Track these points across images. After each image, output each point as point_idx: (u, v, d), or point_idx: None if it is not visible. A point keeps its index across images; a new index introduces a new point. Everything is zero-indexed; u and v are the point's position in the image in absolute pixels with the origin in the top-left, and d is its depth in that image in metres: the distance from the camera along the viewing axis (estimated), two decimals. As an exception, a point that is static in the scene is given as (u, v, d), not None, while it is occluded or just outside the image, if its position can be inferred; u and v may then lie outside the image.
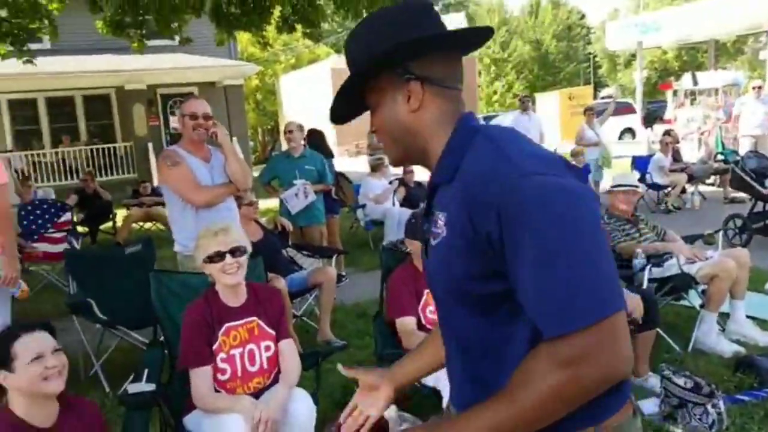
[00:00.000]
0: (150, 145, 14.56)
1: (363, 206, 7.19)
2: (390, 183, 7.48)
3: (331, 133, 28.08)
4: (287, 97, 32.28)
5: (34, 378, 1.75)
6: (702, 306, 3.65)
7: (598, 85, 36.82)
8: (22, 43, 7.54)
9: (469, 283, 1.00)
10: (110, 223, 8.74)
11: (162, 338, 2.62)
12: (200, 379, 2.23)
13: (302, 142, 5.40)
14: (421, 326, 2.72)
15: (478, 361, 1.06)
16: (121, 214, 8.93)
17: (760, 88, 9.87)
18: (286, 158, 5.33)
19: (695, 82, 16.12)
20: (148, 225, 9.18)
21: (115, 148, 14.85)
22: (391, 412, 1.10)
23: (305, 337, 4.03)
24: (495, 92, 39.55)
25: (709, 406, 2.71)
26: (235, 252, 2.34)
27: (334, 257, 4.71)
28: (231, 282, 2.34)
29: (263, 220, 4.93)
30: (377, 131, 1.16)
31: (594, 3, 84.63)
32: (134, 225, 8.76)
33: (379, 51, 1.04)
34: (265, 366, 2.37)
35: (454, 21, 31.97)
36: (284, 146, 5.53)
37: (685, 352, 3.53)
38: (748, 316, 3.79)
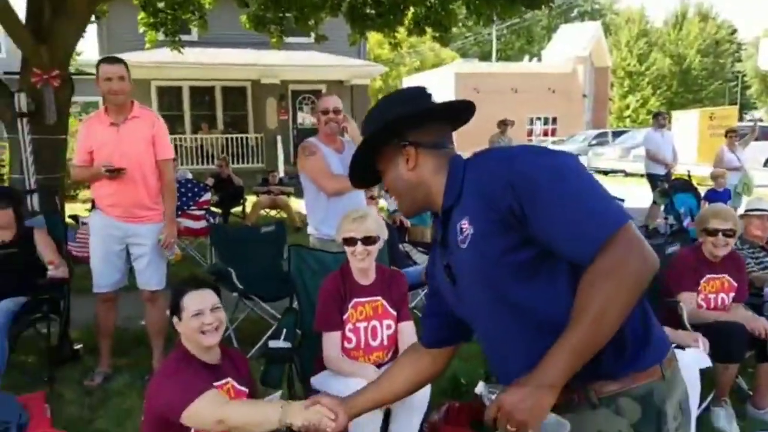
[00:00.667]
0: (279, 138, 15.45)
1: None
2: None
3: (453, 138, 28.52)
4: (410, 100, 32.86)
5: (193, 330, 2.04)
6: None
7: (745, 107, 34.02)
8: (174, 34, 8.20)
9: (507, 256, 1.23)
10: (240, 208, 9.41)
11: (296, 306, 2.91)
12: (331, 342, 2.49)
13: None
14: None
15: (539, 329, 1.24)
16: (250, 200, 9.61)
17: None
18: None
19: None
20: (273, 212, 9.81)
21: (247, 138, 15.90)
22: (481, 388, 1.22)
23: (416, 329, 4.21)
24: (628, 107, 37.64)
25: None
26: (367, 241, 2.57)
27: None
28: (359, 266, 2.58)
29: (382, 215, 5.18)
30: (389, 190, 1.48)
31: (749, 17, 77.85)
32: (261, 212, 9.38)
33: (381, 125, 1.38)
34: (385, 342, 2.57)
35: (589, 30, 30.96)
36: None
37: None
38: None
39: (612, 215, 1.16)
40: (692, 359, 2.44)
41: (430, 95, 1.45)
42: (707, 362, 2.49)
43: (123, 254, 3.64)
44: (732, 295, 3.24)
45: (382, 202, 7.26)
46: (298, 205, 7.64)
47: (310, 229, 3.67)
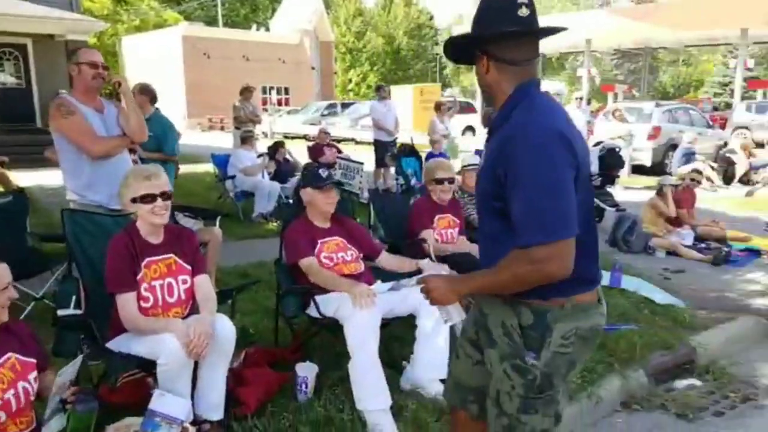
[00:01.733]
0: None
1: (233, 177, 7.33)
2: (259, 157, 7.70)
3: (181, 105, 26.90)
4: (130, 60, 30.15)
5: None
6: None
7: (444, 85, 39.27)
8: None
9: (486, 195, 1.69)
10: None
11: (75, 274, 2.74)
12: (129, 303, 2.45)
13: (150, 105, 5.29)
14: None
15: (494, 246, 1.69)
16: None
17: (581, 99, 11.69)
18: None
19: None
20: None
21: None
22: (423, 264, 2.24)
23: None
24: (350, 81, 40.30)
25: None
26: (164, 196, 2.57)
27: (218, 219, 4.87)
28: (159, 222, 2.57)
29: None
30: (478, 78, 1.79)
31: (442, 6, 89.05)
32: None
33: (471, 37, 1.72)
34: (183, 297, 2.62)
35: (312, 4, 32.10)
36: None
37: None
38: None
39: (566, 224, 1.52)
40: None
41: (528, 4, 1.65)
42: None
43: None
44: (457, 230, 4.09)
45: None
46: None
47: (70, 195, 3.41)
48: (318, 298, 2.95)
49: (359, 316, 2.68)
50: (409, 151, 9.31)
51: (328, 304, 2.90)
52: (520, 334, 1.64)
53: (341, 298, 2.81)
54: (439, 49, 50.80)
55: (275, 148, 8.42)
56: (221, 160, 7.80)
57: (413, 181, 8.37)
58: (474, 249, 3.92)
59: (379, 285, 3.19)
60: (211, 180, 8.66)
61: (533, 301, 1.63)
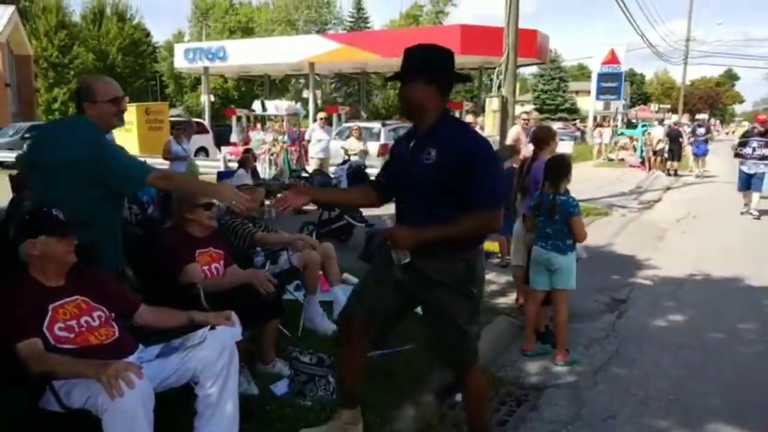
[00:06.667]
0: None
1: None
2: None
3: None
4: None
5: None
6: (305, 294, 4.25)
7: (170, 105, 37.03)
8: None
9: (441, 181, 2.44)
10: None
11: None
12: None
13: None
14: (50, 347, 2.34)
15: (439, 214, 2.46)
16: None
17: (323, 119, 12.15)
18: None
19: (264, 108, 17.99)
20: None
21: None
22: (386, 218, 2.61)
23: None
24: (55, 99, 35.38)
25: (329, 377, 3.19)
26: None
27: None
28: None
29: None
30: (402, 97, 2.59)
31: (159, 23, 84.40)
32: None
33: (433, 69, 2.54)
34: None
35: (4, 14, 27.33)
36: None
37: (297, 336, 4.01)
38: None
39: (498, 199, 2.58)
40: (225, 337, 2.54)
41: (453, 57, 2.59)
42: (239, 335, 2.64)
43: None
44: (222, 262, 3.58)
45: None
46: None
47: None
48: (57, 384, 2.20)
49: (122, 404, 2.04)
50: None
51: (74, 392, 2.19)
52: (463, 276, 2.52)
53: (92, 383, 2.13)
54: (159, 67, 47.99)
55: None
56: None
57: (150, 210, 7.45)
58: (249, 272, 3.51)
59: (142, 351, 2.56)
60: None
61: (462, 253, 2.51)
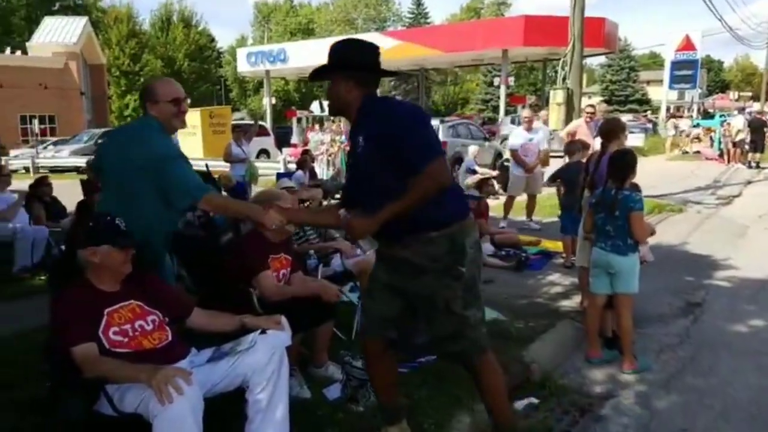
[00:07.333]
0: None
1: (-20, 225, 5.89)
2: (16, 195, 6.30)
3: None
4: None
5: None
6: (359, 297, 4.17)
7: (233, 108, 38.14)
8: None
9: (377, 163, 2.38)
10: None
11: None
12: None
13: None
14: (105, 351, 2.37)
15: (384, 198, 2.33)
16: None
17: None
18: None
19: (323, 109, 18.17)
20: None
21: None
22: (342, 213, 2.63)
23: None
24: (127, 106, 37.14)
25: (382, 381, 3.10)
26: None
27: None
28: None
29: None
30: (328, 93, 2.58)
31: (223, 28, 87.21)
32: None
33: (349, 62, 2.47)
34: None
35: (78, 25, 28.87)
36: None
37: (351, 339, 3.96)
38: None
39: (439, 148, 2.38)
40: (276, 341, 2.51)
41: (378, 49, 2.53)
42: (289, 340, 2.61)
43: None
44: (289, 269, 3.53)
45: None
46: None
47: None
48: (111, 389, 2.22)
49: (171, 411, 2.04)
50: (204, 178, 8.49)
51: (127, 396, 2.21)
52: (448, 256, 2.38)
53: (144, 388, 2.14)
54: (223, 71, 49.47)
55: (36, 186, 7.00)
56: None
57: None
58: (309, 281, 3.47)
59: (194, 355, 2.56)
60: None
61: (444, 230, 2.37)
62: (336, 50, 2.49)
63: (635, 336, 4.05)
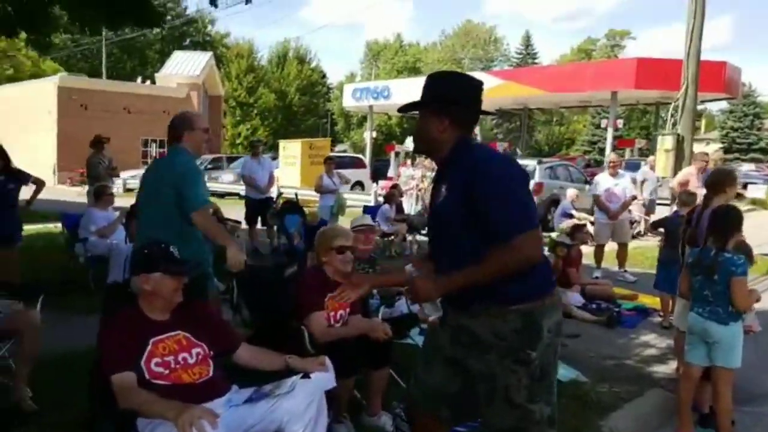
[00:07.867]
0: None
1: (84, 240, 6.28)
2: (117, 212, 6.67)
3: (51, 158, 24.66)
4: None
5: None
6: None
7: (335, 141, 39.36)
8: None
9: (459, 219, 2.06)
10: None
11: None
12: None
13: None
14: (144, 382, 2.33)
15: (461, 260, 2.04)
16: None
17: None
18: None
19: (416, 145, 18.12)
20: None
21: None
22: (409, 268, 2.30)
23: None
24: (240, 135, 39.46)
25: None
26: None
27: (40, 299, 3.80)
28: None
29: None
30: (417, 129, 2.26)
31: (335, 65, 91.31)
32: None
33: (446, 96, 2.15)
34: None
35: (202, 59, 31.24)
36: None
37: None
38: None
39: (532, 218, 2.02)
40: (318, 383, 2.39)
41: (481, 84, 2.20)
42: (333, 383, 2.47)
43: None
44: (348, 310, 3.34)
45: None
46: None
47: None
48: (142, 423, 2.17)
49: (193, 454, 1.94)
50: (292, 207, 8.65)
51: None
52: (514, 336, 2.01)
53: (172, 426, 2.06)
54: (331, 106, 51.40)
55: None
56: (73, 220, 6.71)
57: (296, 241, 7.70)
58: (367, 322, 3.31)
59: (234, 392, 2.47)
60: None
61: (519, 306, 2.02)
62: (433, 81, 2.19)
63: (735, 415, 3.52)
